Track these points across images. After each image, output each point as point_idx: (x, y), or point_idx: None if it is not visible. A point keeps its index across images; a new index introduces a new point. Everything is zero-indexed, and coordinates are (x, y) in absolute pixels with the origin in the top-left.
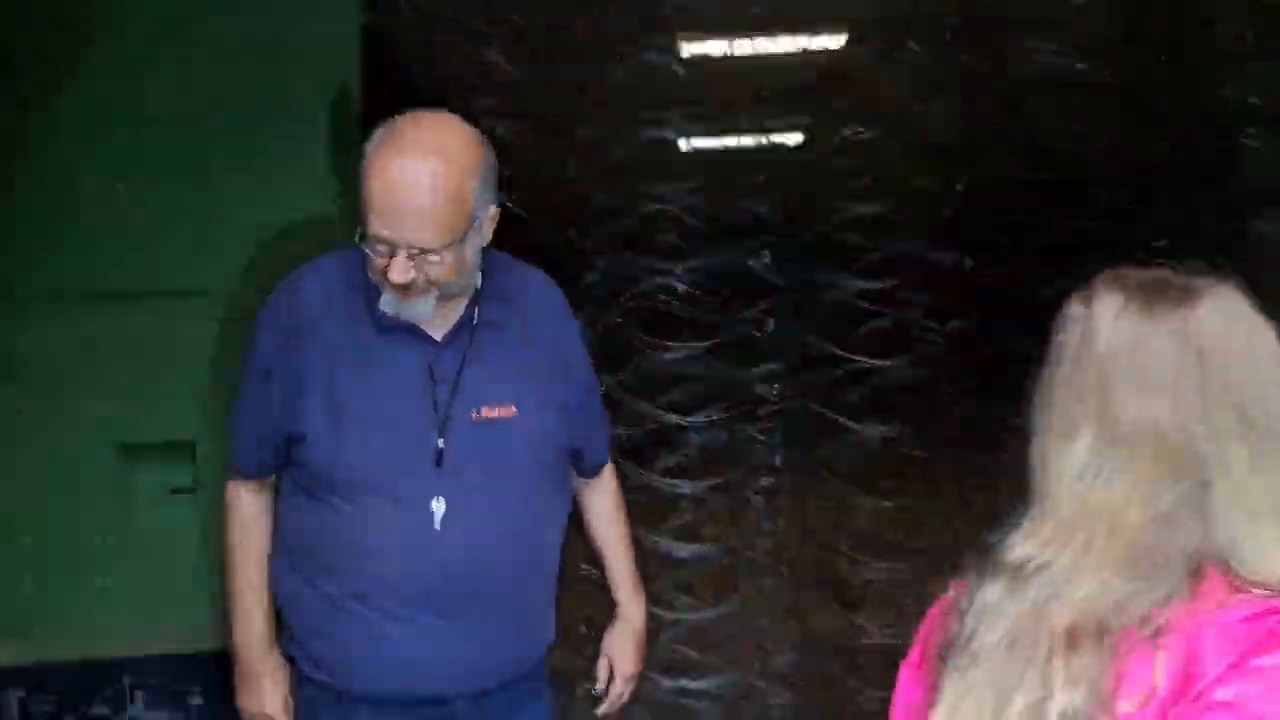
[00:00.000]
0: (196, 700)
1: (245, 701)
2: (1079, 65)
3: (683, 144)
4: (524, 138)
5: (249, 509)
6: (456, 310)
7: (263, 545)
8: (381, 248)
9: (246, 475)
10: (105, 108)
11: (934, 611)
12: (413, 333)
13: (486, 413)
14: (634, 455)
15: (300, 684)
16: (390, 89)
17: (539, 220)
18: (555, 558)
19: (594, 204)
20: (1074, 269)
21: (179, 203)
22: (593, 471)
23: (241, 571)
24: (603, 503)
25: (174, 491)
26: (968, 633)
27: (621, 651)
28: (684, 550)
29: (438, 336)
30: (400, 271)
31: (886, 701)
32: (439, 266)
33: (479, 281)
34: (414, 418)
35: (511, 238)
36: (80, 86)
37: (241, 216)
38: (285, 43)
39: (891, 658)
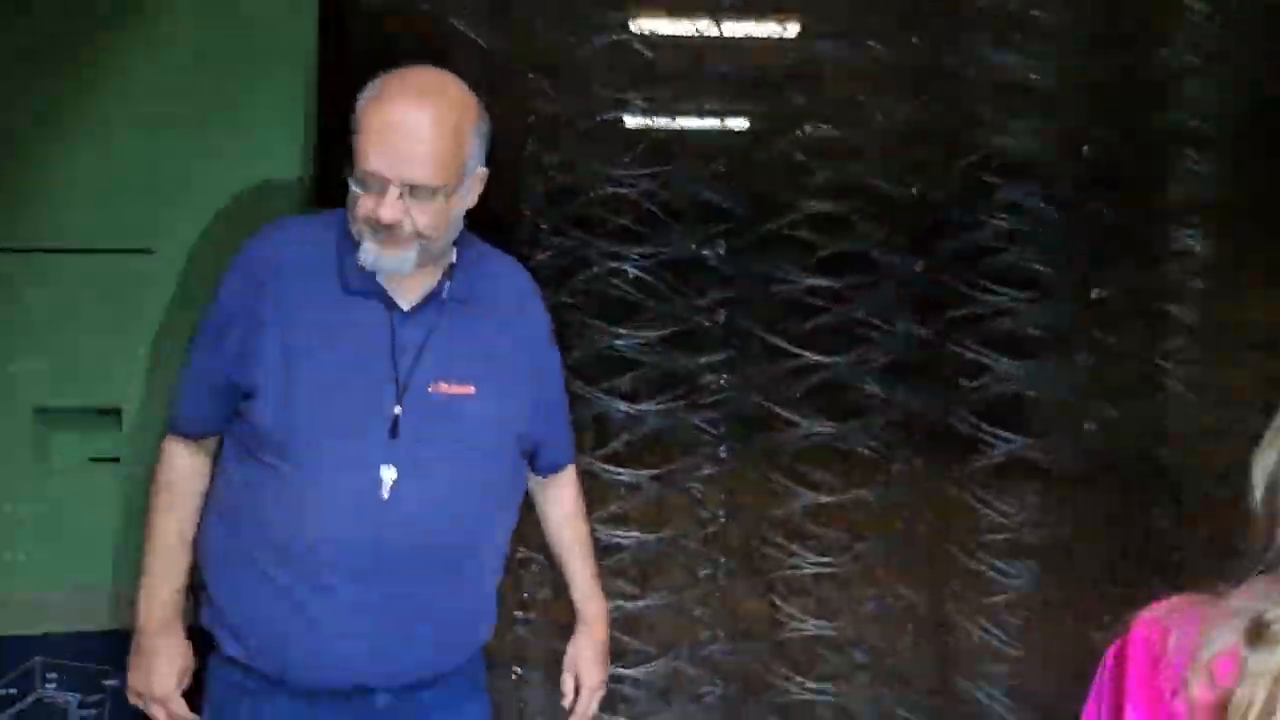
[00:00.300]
0: (112, 682)
1: (134, 680)
2: (1032, 71)
3: (641, 124)
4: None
5: (181, 466)
6: (427, 282)
7: (188, 509)
8: (374, 185)
9: (187, 431)
10: (43, 57)
11: (1133, 654)
12: (380, 298)
13: (445, 388)
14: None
15: (218, 665)
16: (349, 54)
17: (493, 194)
18: (500, 550)
19: (550, 183)
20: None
21: (125, 156)
22: (551, 470)
23: (159, 533)
24: (562, 504)
25: (94, 460)
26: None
27: (586, 662)
28: (621, 538)
29: (405, 306)
30: (391, 209)
31: (816, 690)
32: (427, 213)
33: (454, 256)
34: (372, 383)
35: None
36: (16, 39)
37: (195, 174)
38: (239, 2)
39: (817, 647)
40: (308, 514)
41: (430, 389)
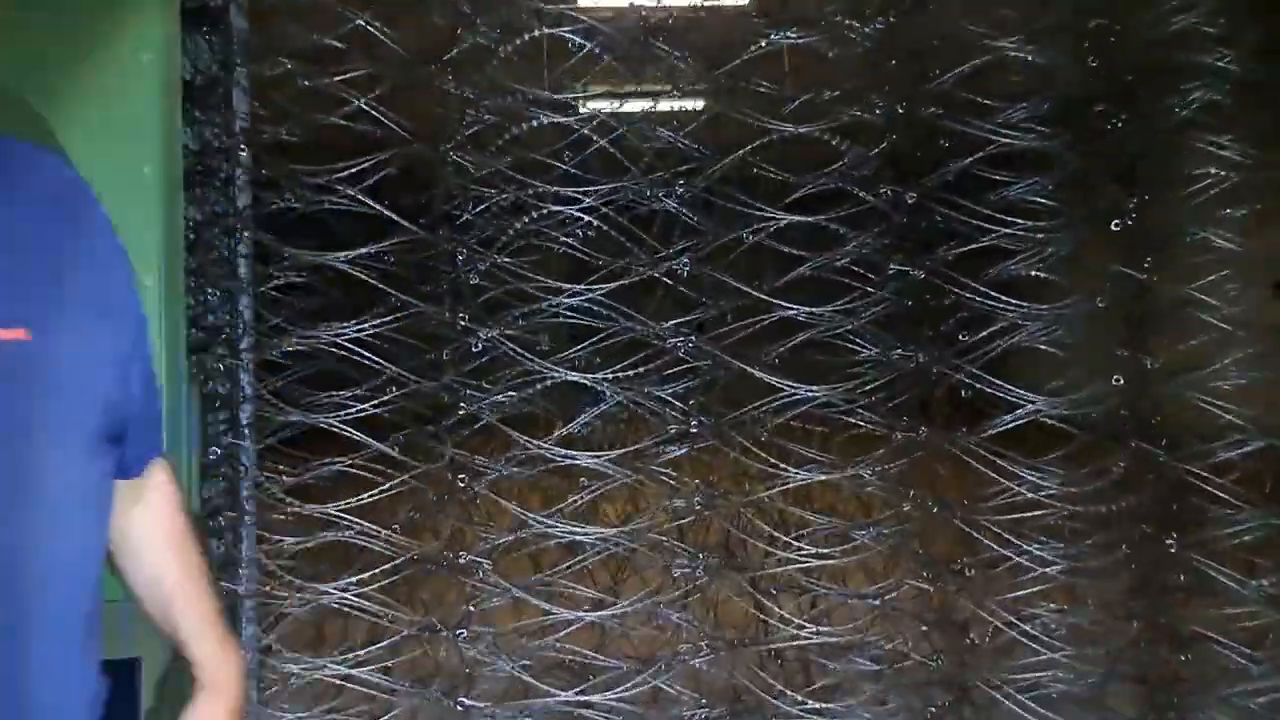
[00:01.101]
0: None
1: None
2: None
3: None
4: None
5: None
6: None
7: None
8: None
9: None
10: None
11: None
12: None
13: None
14: (520, 423)
15: None
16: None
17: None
18: (88, 575)
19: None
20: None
21: None
22: (139, 465)
23: None
24: (159, 517)
25: None
26: None
27: None
28: (579, 534)
29: None
30: None
31: (816, 711)
32: None
33: None
34: None
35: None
36: None
37: None
38: None
39: (813, 655)
40: None
41: None
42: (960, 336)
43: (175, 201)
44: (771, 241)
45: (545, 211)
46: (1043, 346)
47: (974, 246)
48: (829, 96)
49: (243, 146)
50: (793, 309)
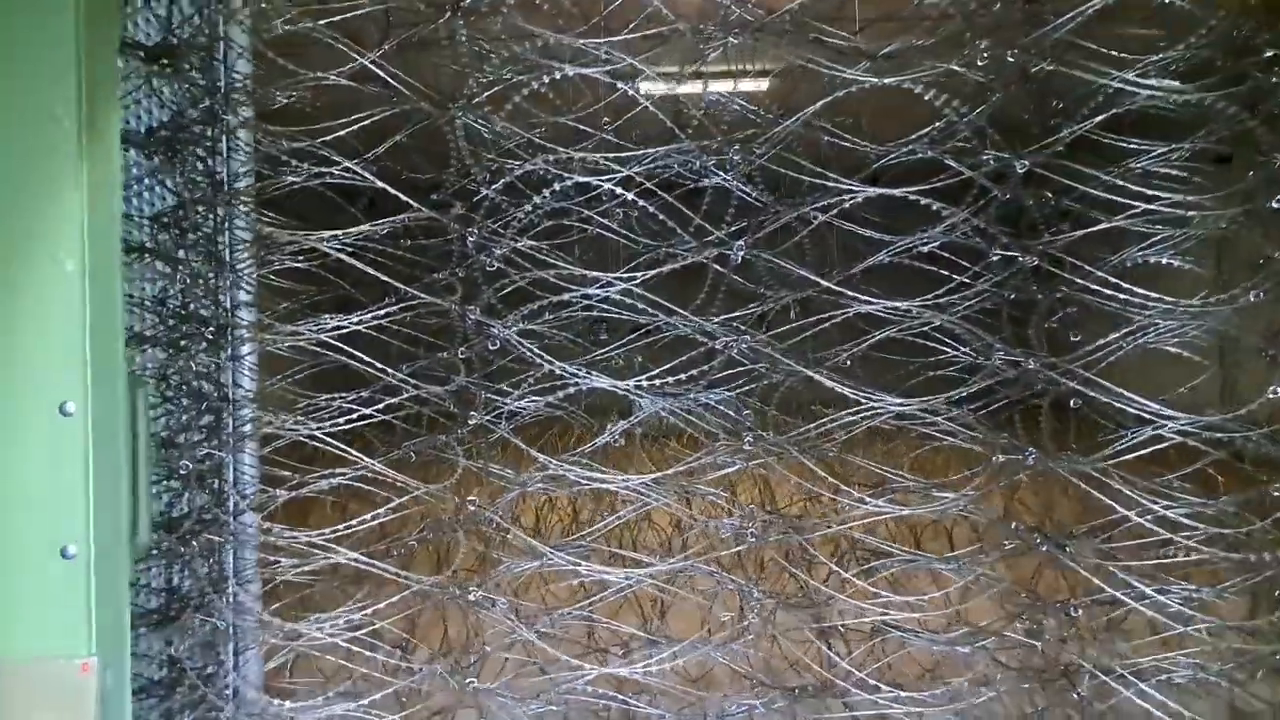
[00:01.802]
0: None
1: None
2: None
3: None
4: None
5: None
6: None
7: None
8: None
9: None
10: None
11: None
12: None
13: None
14: (544, 428)
15: None
16: None
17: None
18: None
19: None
20: None
21: None
22: None
23: None
24: None
25: None
26: None
27: None
28: (609, 572)
29: None
30: None
31: None
32: None
33: None
34: None
35: None
36: None
37: None
38: None
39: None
40: None
41: None
42: (1072, 336)
43: (106, 162)
44: (843, 223)
45: (573, 184)
46: (1171, 348)
47: (1097, 228)
48: (917, 44)
49: (240, 107)
50: (874, 303)
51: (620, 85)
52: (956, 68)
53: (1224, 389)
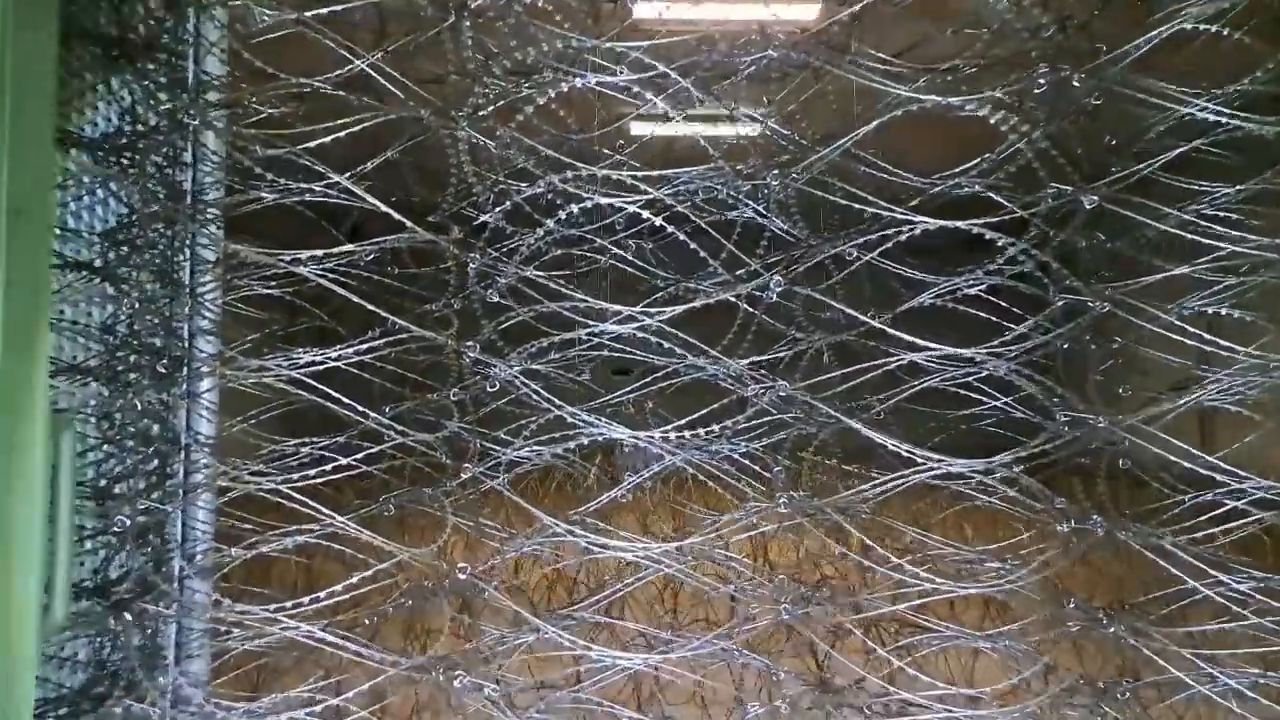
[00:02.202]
0: None
1: None
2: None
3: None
4: None
5: None
6: None
7: None
8: None
9: None
10: None
11: None
12: None
13: None
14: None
15: None
16: None
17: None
18: None
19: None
20: None
21: None
22: None
23: None
24: None
25: None
26: None
27: None
28: (613, 657)
29: None
30: None
31: None
32: None
33: None
34: None
35: None
36: None
37: None
38: None
39: None
40: None
41: None
42: (1122, 391)
43: (36, 166)
44: (883, 261)
45: (589, 208)
46: (1230, 407)
47: (1173, 271)
48: (968, 66)
49: (210, 110)
50: (934, 348)
51: (640, 102)
52: (1016, 88)
53: None
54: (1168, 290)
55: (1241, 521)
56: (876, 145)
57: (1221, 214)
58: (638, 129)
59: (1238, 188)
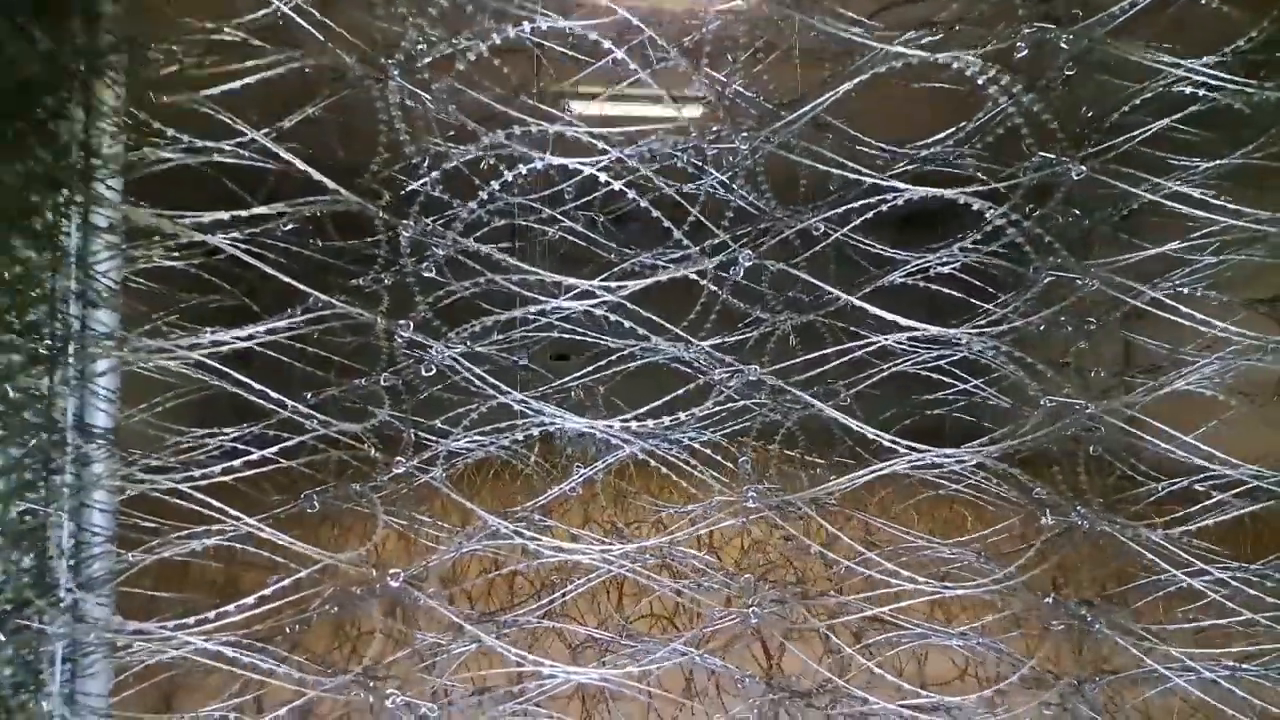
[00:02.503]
0: None
1: None
2: None
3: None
4: None
5: None
6: None
7: None
8: None
9: None
10: None
11: None
12: None
13: None
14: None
15: None
16: None
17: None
18: None
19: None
20: None
21: None
22: None
23: None
24: None
25: None
26: None
27: None
28: (565, 672)
29: None
30: None
31: None
32: None
33: None
34: None
35: None
36: None
37: None
38: None
39: None
40: None
41: None
42: (1092, 373)
43: None
44: (853, 237)
45: (540, 169)
46: (1208, 392)
47: (1166, 248)
48: (945, 28)
49: (101, 61)
50: (919, 328)
51: (588, 60)
52: (998, 45)
53: None
54: (1137, 271)
55: (1236, 511)
56: (849, 118)
57: (1197, 192)
58: (578, 105)
59: (1217, 161)
